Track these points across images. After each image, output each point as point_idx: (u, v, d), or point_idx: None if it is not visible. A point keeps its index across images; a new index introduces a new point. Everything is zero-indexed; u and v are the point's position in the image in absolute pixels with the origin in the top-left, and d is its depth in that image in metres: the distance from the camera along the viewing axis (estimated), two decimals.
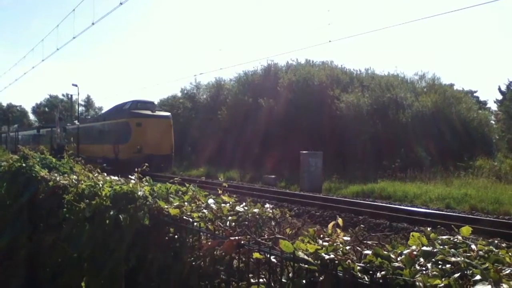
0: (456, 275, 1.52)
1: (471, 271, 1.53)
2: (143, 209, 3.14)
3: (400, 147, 25.13)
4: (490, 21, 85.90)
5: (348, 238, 2.04)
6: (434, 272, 1.57)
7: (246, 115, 33.51)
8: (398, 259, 1.71)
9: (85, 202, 3.75)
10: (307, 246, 1.91)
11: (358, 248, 1.93)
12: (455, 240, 1.86)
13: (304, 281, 1.88)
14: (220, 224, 2.58)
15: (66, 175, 5.14)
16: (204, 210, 2.81)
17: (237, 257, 2.37)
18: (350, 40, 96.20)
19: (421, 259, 1.69)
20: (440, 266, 1.61)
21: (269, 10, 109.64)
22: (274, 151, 28.50)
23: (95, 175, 4.57)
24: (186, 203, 3.02)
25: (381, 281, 1.63)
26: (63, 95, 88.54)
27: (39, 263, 4.88)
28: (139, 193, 3.28)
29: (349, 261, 1.75)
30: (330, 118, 28.77)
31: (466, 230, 1.93)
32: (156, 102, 37.81)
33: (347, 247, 1.90)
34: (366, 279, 1.68)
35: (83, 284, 3.70)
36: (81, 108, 78.70)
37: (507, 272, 1.51)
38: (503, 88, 51.86)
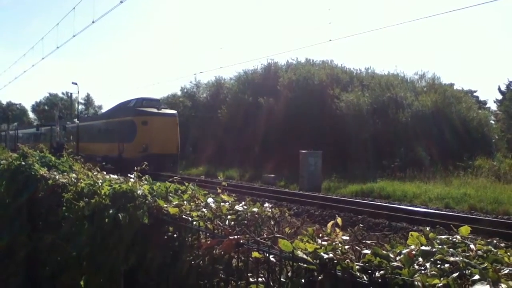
0: (455, 274, 1.52)
1: (469, 271, 1.53)
2: (142, 208, 3.14)
3: (400, 147, 25.16)
4: (490, 21, 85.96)
5: (347, 238, 2.04)
6: (433, 272, 1.57)
7: (246, 114, 33.52)
8: (397, 258, 1.71)
9: (85, 200, 3.75)
10: (306, 245, 1.91)
11: (357, 247, 1.93)
12: (454, 239, 1.87)
13: (303, 280, 1.88)
14: (219, 223, 2.58)
15: (65, 173, 5.14)
16: (203, 209, 2.81)
17: (236, 256, 2.37)
18: (350, 39, 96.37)
19: (420, 259, 1.69)
20: (439, 266, 1.61)
21: (269, 9, 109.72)
22: (273, 150, 28.51)
23: (94, 173, 4.57)
24: (185, 202, 3.02)
25: (380, 280, 1.63)
26: (63, 93, 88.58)
27: (38, 262, 4.88)
28: (139, 192, 3.28)
29: (348, 260, 1.75)
30: (330, 117, 28.78)
31: (465, 229, 1.93)
32: None
33: (346, 247, 1.90)
34: (365, 278, 1.68)
35: (82, 282, 3.70)
36: (80, 107, 78.74)
37: (506, 272, 1.51)
38: (503, 88, 51.96)
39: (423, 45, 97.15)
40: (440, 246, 1.76)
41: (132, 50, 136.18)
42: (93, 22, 20.59)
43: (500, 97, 51.69)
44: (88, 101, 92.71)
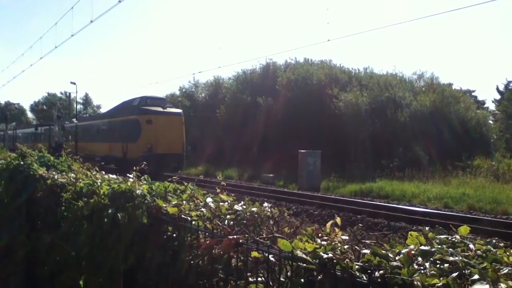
0: (454, 274, 1.52)
1: (469, 271, 1.53)
2: (141, 207, 3.14)
3: (399, 146, 25.20)
4: (489, 21, 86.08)
5: (347, 237, 2.04)
6: (432, 272, 1.57)
7: (244, 114, 33.51)
8: (396, 258, 1.72)
9: (83, 200, 3.75)
10: (306, 245, 1.91)
11: (356, 247, 1.93)
12: (453, 239, 1.87)
13: (302, 280, 1.88)
14: (219, 223, 2.58)
15: (64, 173, 5.14)
16: (203, 209, 2.81)
17: (235, 256, 2.37)
18: (348, 39, 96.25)
19: (419, 259, 1.69)
20: (438, 266, 1.61)
21: (268, 8, 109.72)
22: (272, 150, 28.52)
23: (93, 173, 4.57)
24: (184, 202, 3.02)
25: (379, 280, 1.64)
26: (61, 93, 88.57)
27: (37, 262, 4.87)
28: (137, 191, 3.28)
29: (347, 260, 1.75)
30: (328, 117, 28.80)
31: (464, 229, 1.93)
32: None
33: (345, 246, 1.90)
34: (364, 278, 1.68)
35: (81, 282, 3.69)
36: (79, 106, 78.59)
37: (505, 271, 1.52)
38: (501, 87, 52.06)
39: (422, 45, 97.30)
40: (439, 246, 1.76)
41: (131, 50, 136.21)
42: (91, 21, 20.54)
43: (498, 97, 51.81)
44: (87, 100, 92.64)
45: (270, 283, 2.13)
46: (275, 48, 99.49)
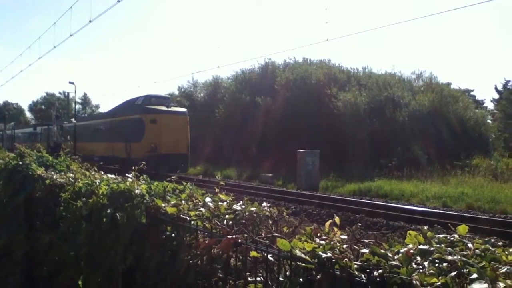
0: (453, 273, 1.53)
1: (467, 270, 1.54)
2: (140, 207, 3.13)
3: (397, 146, 25.21)
4: (487, 21, 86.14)
5: (345, 237, 2.04)
6: (431, 271, 1.57)
7: (243, 114, 33.51)
8: (395, 257, 1.72)
9: (82, 200, 3.74)
10: (304, 244, 1.91)
11: (355, 246, 1.93)
12: (452, 238, 1.87)
13: (301, 280, 1.88)
14: (218, 222, 2.58)
15: (63, 173, 5.14)
16: (201, 209, 2.81)
17: (234, 256, 2.37)
18: (347, 39, 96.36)
19: (418, 258, 1.69)
20: (437, 265, 1.62)
21: (267, 8, 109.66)
22: (271, 150, 28.53)
23: (92, 173, 4.56)
24: (183, 202, 3.02)
25: (378, 279, 1.64)
26: (60, 93, 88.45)
27: (36, 262, 4.87)
28: (136, 191, 3.28)
29: (346, 259, 1.75)
30: (327, 117, 28.81)
31: (462, 228, 1.93)
32: None
33: (344, 246, 1.90)
34: (363, 277, 1.68)
35: (80, 282, 3.69)
36: (78, 106, 78.45)
37: (504, 270, 1.52)
38: (500, 87, 52.15)
39: (420, 44, 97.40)
40: (438, 245, 1.76)
41: (129, 49, 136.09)
42: (90, 21, 20.55)
43: (497, 96, 51.90)
44: (85, 100, 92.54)
45: (269, 282, 2.13)
46: (274, 48, 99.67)
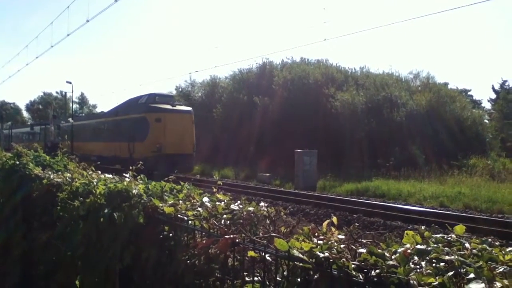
0: (450, 273, 1.53)
1: (465, 270, 1.54)
2: (137, 207, 3.13)
3: (395, 146, 25.24)
4: (485, 21, 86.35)
5: (343, 237, 2.04)
6: (428, 271, 1.57)
7: (241, 113, 33.50)
8: (393, 257, 1.72)
9: (79, 200, 3.74)
10: (302, 244, 1.92)
11: (352, 246, 1.93)
12: (449, 238, 1.87)
13: (298, 279, 1.89)
14: (215, 222, 2.58)
15: (60, 173, 5.13)
16: (199, 209, 2.81)
17: (232, 256, 2.37)
18: (345, 39, 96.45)
19: (415, 258, 1.69)
20: (434, 265, 1.62)
21: (264, 8, 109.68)
22: (268, 150, 28.52)
23: (89, 173, 4.56)
24: (180, 202, 3.02)
25: (375, 279, 1.64)
26: (57, 92, 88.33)
27: (33, 261, 4.86)
28: (134, 191, 3.27)
29: (343, 259, 1.75)
30: (324, 117, 28.83)
31: (460, 228, 1.94)
32: None
33: (342, 246, 1.90)
34: (361, 277, 1.68)
35: (77, 282, 3.69)
36: (75, 106, 78.36)
37: (501, 270, 1.52)
38: (497, 87, 52.27)
39: (418, 44, 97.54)
40: (435, 245, 1.77)
41: (127, 49, 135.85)
42: (87, 21, 20.53)
43: (494, 96, 52.03)
44: (83, 100, 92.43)
45: (267, 282, 2.13)
46: (272, 48, 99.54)
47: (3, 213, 5.41)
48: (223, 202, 2.86)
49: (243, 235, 2.32)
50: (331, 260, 1.77)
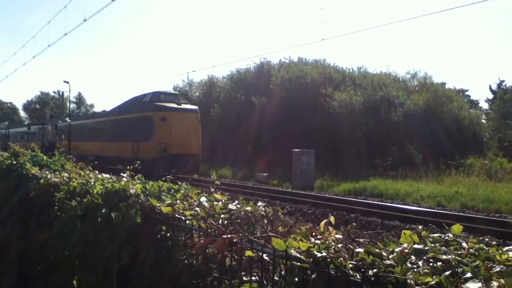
0: (447, 272, 1.53)
1: (462, 269, 1.54)
2: (135, 207, 3.13)
3: (392, 145, 25.28)
4: (482, 21, 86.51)
5: (340, 236, 2.05)
6: (426, 270, 1.58)
7: (238, 113, 33.50)
8: (390, 257, 1.72)
9: (77, 200, 3.73)
10: (300, 244, 1.92)
11: (350, 246, 1.93)
12: (446, 238, 1.88)
13: (296, 279, 1.89)
14: (213, 222, 2.58)
15: (57, 172, 5.12)
16: (197, 208, 2.80)
17: (229, 255, 2.37)
18: (342, 39, 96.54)
19: (413, 257, 1.70)
20: (431, 264, 1.62)
21: (262, 7, 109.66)
22: (266, 149, 28.53)
23: (86, 172, 4.55)
24: (178, 201, 3.02)
25: (373, 278, 1.64)
26: (54, 92, 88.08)
27: (31, 261, 4.85)
28: (131, 191, 3.27)
29: (341, 259, 1.75)
30: (322, 116, 28.86)
31: (457, 228, 1.94)
32: None
33: (339, 245, 1.90)
34: (358, 276, 1.69)
35: (75, 282, 3.68)
36: (72, 105, 78.16)
37: (497, 269, 1.53)
38: (494, 87, 52.40)
39: (415, 44, 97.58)
40: (432, 245, 1.77)
41: (124, 49, 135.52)
42: (84, 20, 20.44)
43: (491, 96, 52.16)
44: (80, 99, 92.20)
45: (264, 282, 2.13)
46: (270, 47, 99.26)
47: (0, 213, 5.40)
48: (220, 202, 2.86)
49: (240, 235, 2.32)
50: (329, 259, 1.77)
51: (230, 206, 2.74)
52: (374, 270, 1.65)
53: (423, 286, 1.52)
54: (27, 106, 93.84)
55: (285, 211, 3.03)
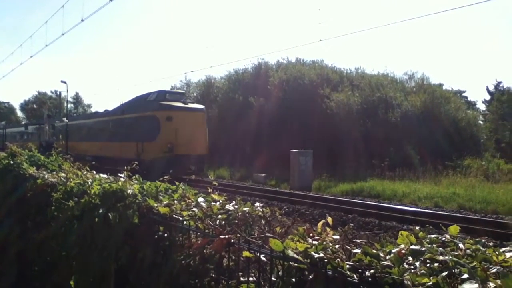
0: (444, 273, 1.54)
1: (458, 270, 1.55)
2: (132, 207, 3.13)
3: (390, 146, 25.30)
4: (480, 22, 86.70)
5: (338, 237, 2.05)
6: (422, 271, 1.58)
7: (236, 114, 33.50)
8: (387, 257, 1.73)
9: (74, 200, 3.73)
10: (297, 244, 1.92)
11: (347, 246, 1.94)
12: (443, 239, 1.88)
13: (293, 280, 1.89)
14: (210, 222, 2.58)
15: (54, 172, 5.11)
16: (194, 209, 2.81)
17: (227, 256, 2.37)
18: (340, 39, 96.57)
19: (410, 258, 1.70)
20: (428, 265, 1.63)
21: (260, 8, 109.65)
22: (264, 150, 28.52)
23: (84, 172, 4.55)
24: (176, 202, 3.02)
25: (370, 279, 1.64)
26: (51, 91, 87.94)
27: (28, 262, 4.84)
28: (129, 191, 3.27)
29: (338, 259, 1.76)
30: (320, 117, 28.88)
31: (454, 229, 1.95)
32: None
33: (337, 246, 1.91)
34: (355, 277, 1.69)
35: (72, 282, 3.68)
36: (70, 105, 78.03)
37: (494, 270, 1.53)
38: (491, 88, 52.52)
39: (413, 45, 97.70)
40: (429, 245, 1.77)
41: (122, 49, 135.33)
42: (82, 20, 20.44)
43: (488, 97, 52.27)
44: (77, 99, 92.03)
45: (262, 282, 2.13)
46: (267, 48, 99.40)
47: None
48: (218, 203, 2.86)
49: (238, 235, 2.32)
50: (326, 260, 1.77)
51: (227, 206, 2.74)
52: (371, 271, 1.66)
53: (420, 287, 1.52)
54: (25, 106, 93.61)
55: (283, 211, 3.03)
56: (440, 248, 1.74)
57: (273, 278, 2.04)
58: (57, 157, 6.13)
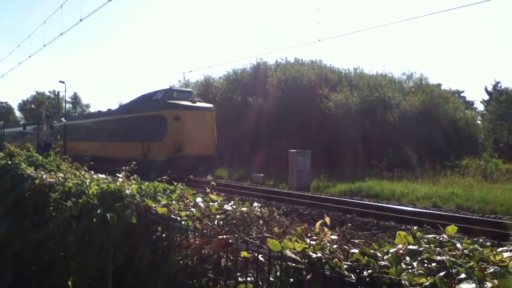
0: (442, 273, 1.54)
1: (456, 270, 1.55)
2: (130, 207, 3.13)
3: (388, 146, 25.32)
4: (478, 22, 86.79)
5: (336, 237, 2.05)
6: (420, 271, 1.58)
7: (235, 114, 33.48)
8: (385, 257, 1.73)
9: (72, 200, 3.73)
10: (295, 245, 1.92)
11: (345, 246, 1.94)
12: (441, 239, 1.89)
13: (291, 280, 1.89)
14: (208, 222, 2.58)
15: (52, 173, 5.11)
16: (192, 209, 2.81)
17: (225, 256, 2.37)
18: (339, 39, 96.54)
19: (407, 258, 1.70)
20: (425, 265, 1.63)
21: (259, 8, 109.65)
22: (262, 150, 28.51)
23: (82, 173, 4.54)
24: (174, 202, 3.02)
25: (367, 279, 1.65)
26: (50, 91, 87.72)
27: (26, 262, 4.84)
28: (127, 191, 3.27)
29: (336, 259, 1.76)
30: (318, 117, 28.88)
31: (451, 229, 1.95)
32: None
33: (334, 246, 1.91)
34: (353, 277, 1.69)
35: (69, 283, 3.67)
36: (68, 105, 77.94)
37: (491, 270, 1.53)
38: (490, 88, 52.56)
39: (411, 45, 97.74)
40: (427, 245, 1.78)
41: (120, 49, 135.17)
42: (81, 20, 20.41)
43: (487, 97, 52.33)
44: (76, 99, 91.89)
45: (260, 282, 2.13)
46: (266, 48, 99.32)
47: None
48: (216, 203, 2.86)
49: (236, 235, 2.32)
50: (324, 260, 1.78)
51: (225, 206, 2.74)
52: (369, 271, 1.66)
53: (418, 287, 1.52)
54: (23, 106, 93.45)
55: (281, 211, 3.03)
56: (438, 248, 1.74)
57: (271, 278, 2.04)
58: (55, 157, 6.12)
